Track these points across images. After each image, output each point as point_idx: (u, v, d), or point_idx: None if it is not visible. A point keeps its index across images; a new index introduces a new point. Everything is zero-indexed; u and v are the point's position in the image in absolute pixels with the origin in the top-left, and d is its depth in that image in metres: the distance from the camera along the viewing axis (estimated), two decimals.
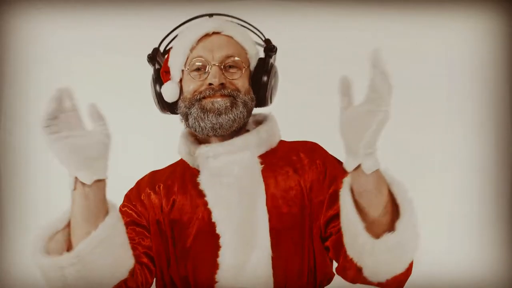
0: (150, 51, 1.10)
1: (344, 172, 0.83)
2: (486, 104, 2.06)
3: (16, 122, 2.02)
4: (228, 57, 1.02)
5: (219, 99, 1.00)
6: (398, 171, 0.80)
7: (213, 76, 1.00)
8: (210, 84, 1.00)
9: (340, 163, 1.01)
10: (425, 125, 2.07)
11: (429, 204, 2.03)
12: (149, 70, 1.12)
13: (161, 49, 1.12)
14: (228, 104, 1.00)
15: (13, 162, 2.03)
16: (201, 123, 1.01)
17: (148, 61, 1.10)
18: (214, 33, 1.04)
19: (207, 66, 1.01)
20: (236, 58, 1.03)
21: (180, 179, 1.07)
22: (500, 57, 2.03)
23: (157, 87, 1.08)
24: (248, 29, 1.12)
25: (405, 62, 2.04)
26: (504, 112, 2.04)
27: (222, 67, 1.01)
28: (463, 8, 2.03)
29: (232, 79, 1.02)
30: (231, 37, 1.05)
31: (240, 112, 1.01)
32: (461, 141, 2.07)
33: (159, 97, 1.08)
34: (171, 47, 1.11)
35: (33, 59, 2.05)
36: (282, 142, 1.10)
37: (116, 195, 2.02)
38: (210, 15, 1.11)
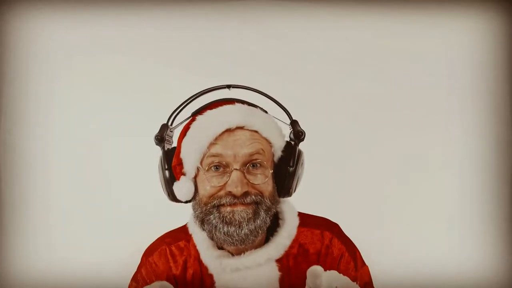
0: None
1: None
2: (486, 104, 2.06)
3: (16, 122, 2.02)
4: (252, 155, 0.91)
5: (240, 209, 0.90)
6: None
7: (235, 185, 0.89)
8: (230, 191, 0.90)
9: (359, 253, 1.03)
10: (425, 125, 2.07)
11: (429, 204, 2.03)
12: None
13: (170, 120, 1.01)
14: (250, 215, 0.91)
15: (13, 162, 2.03)
16: (219, 235, 0.92)
17: (157, 143, 0.96)
18: (237, 127, 0.92)
19: (227, 168, 0.91)
20: (259, 160, 0.92)
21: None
22: (500, 57, 2.03)
23: (166, 173, 0.96)
24: (274, 101, 1.00)
25: (405, 62, 2.04)
26: (504, 112, 2.04)
27: (245, 170, 0.90)
28: (463, 8, 2.03)
29: (256, 184, 0.91)
30: (255, 132, 0.93)
31: (263, 222, 0.92)
32: (461, 141, 2.07)
33: (168, 187, 0.96)
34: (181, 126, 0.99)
35: (33, 59, 2.05)
36: (299, 223, 1.01)
37: (116, 195, 2.03)
38: (228, 86, 1.01)
